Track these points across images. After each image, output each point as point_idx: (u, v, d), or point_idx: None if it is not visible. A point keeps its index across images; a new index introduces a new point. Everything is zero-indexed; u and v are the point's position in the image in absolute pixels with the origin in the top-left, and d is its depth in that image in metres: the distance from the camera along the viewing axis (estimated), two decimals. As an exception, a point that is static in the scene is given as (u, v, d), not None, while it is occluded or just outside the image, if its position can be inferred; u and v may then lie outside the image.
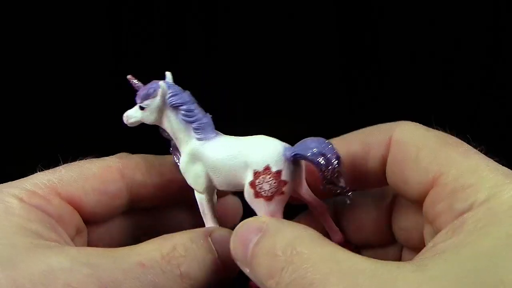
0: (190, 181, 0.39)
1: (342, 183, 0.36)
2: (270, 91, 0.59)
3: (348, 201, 0.36)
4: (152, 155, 0.41)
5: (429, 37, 0.61)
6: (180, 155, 0.39)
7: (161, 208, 0.43)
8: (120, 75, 0.40)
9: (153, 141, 0.41)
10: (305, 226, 0.32)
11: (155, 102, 0.38)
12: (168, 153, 0.41)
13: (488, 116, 0.61)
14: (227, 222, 0.41)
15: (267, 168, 0.36)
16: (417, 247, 0.35)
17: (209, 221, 0.39)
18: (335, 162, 0.35)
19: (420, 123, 0.36)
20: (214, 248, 0.35)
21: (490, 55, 0.61)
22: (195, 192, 0.39)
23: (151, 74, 0.40)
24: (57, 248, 0.32)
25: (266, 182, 0.36)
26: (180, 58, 0.62)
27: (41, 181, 0.36)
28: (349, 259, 0.27)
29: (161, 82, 0.38)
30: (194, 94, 0.38)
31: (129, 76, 0.38)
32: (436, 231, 0.31)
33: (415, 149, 0.33)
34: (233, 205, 0.43)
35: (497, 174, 0.29)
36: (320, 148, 0.35)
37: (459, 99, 0.61)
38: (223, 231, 0.37)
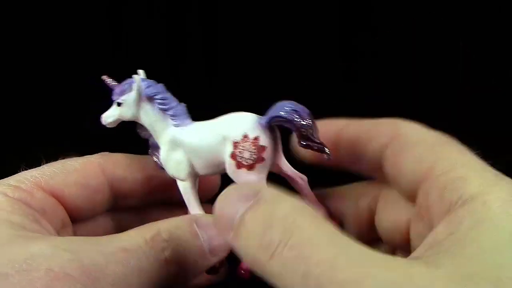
0: (171, 170, 0.40)
1: (317, 138, 0.36)
2: (270, 88, 0.59)
3: (327, 157, 0.37)
4: (132, 154, 0.43)
5: (429, 36, 0.61)
6: (159, 152, 0.40)
7: (146, 208, 0.44)
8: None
9: (137, 144, 0.43)
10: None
11: (131, 96, 0.39)
12: (147, 153, 0.42)
13: (488, 116, 0.61)
14: (204, 196, 0.42)
15: (245, 136, 0.37)
16: (400, 244, 0.37)
17: (194, 209, 0.40)
18: (308, 116, 0.36)
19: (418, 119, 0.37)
20: (199, 234, 0.36)
21: (489, 55, 0.61)
22: (178, 182, 0.40)
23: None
24: (40, 238, 0.33)
25: (246, 150, 0.37)
26: (180, 53, 0.62)
27: (24, 177, 0.37)
28: (355, 244, 0.26)
29: (135, 76, 0.39)
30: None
31: (104, 77, 0.40)
32: (429, 224, 0.31)
33: (414, 141, 0.34)
34: (210, 179, 0.43)
35: (487, 170, 0.30)
36: (291, 106, 0.36)
37: (458, 98, 0.61)
38: (209, 217, 0.37)
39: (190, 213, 0.40)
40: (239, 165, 0.37)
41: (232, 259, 0.38)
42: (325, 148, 0.37)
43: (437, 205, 0.30)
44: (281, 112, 0.37)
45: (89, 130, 0.56)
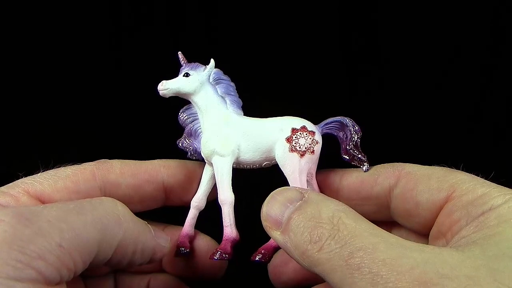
0: (215, 145, 0.42)
1: (361, 153, 0.42)
2: (270, 83, 0.59)
3: (366, 169, 0.42)
4: (129, 160, 0.44)
5: (429, 35, 0.61)
6: (196, 139, 0.43)
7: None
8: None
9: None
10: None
11: (201, 74, 0.43)
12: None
13: (488, 116, 0.61)
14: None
15: (303, 127, 0.42)
16: None
17: (226, 189, 0.42)
18: (359, 131, 0.42)
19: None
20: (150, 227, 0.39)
21: (489, 55, 0.61)
22: (216, 160, 0.42)
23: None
24: None
25: (303, 137, 0.41)
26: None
27: (15, 183, 0.39)
28: (393, 236, 0.30)
29: (212, 59, 0.43)
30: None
31: (179, 52, 0.44)
32: (451, 238, 0.34)
33: (425, 176, 0.38)
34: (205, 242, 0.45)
35: (503, 188, 0.34)
36: (344, 118, 0.43)
37: (458, 98, 0.61)
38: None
39: (219, 194, 0.42)
40: (292, 149, 0.41)
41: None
42: (366, 161, 0.42)
43: (464, 219, 0.33)
44: (337, 118, 0.43)
45: (92, 136, 0.57)
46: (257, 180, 0.45)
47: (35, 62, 0.60)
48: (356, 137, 0.42)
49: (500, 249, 0.28)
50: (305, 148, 0.41)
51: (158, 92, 0.42)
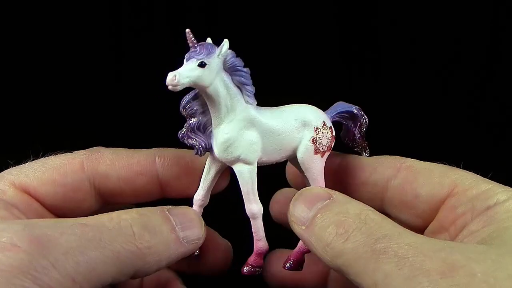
0: (240, 150, 0.37)
1: (364, 141, 0.42)
2: (270, 79, 0.59)
3: (366, 155, 0.42)
4: (122, 148, 0.41)
5: (429, 34, 0.61)
6: (206, 134, 0.38)
7: None
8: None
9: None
10: None
11: (216, 61, 0.36)
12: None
13: (488, 116, 0.61)
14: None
15: (324, 124, 0.39)
16: None
17: (254, 201, 0.38)
18: (367, 122, 0.41)
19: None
20: (171, 219, 0.36)
21: (489, 55, 0.61)
22: (240, 168, 0.38)
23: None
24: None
25: (325, 137, 0.39)
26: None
27: (1, 175, 0.38)
28: (410, 231, 0.31)
29: (226, 40, 0.37)
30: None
31: (188, 30, 0.36)
32: (454, 232, 0.35)
33: (427, 170, 0.38)
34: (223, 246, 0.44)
35: (502, 185, 0.35)
36: (351, 105, 0.41)
37: (458, 98, 0.61)
38: (183, 208, 0.38)
39: (248, 206, 0.38)
40: (316, 151, 0.39)
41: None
42: (367, 149, 0.42)
43: (469, 213, 0.34)
44: (347, 107, 0.41)
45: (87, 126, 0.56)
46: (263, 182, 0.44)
47: (32, 60, 0.60)
48: (364, 128, 0.41)
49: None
50: (326, 147, 0.39)
51: (167, 86, 0.35)
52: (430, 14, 0.60)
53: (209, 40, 0.37)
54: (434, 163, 0.39)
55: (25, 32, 0.60)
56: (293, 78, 0.60)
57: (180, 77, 0.35)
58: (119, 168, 0.40)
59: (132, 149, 0.41)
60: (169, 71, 0.35)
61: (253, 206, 0.38)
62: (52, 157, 0.39)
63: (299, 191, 0.37)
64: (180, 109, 0.38)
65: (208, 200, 0.40)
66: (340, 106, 0.41)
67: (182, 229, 0.36)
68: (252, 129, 0.37)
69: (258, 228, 0.39)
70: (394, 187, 0.39)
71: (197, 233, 0.37)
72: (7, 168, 0.39)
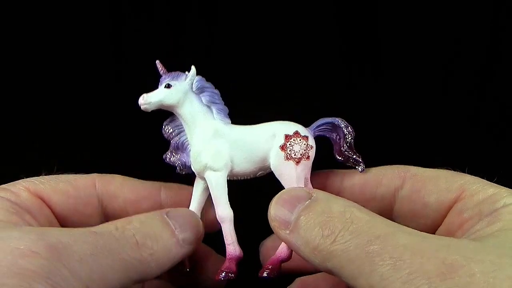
0: (207, 158, 0.40)
1: (356, 153, 0.41)
2: (270, 82, 0.59)
3: (361, 170, 0.41)
4: (127, 177, 0.44)
5: (429, 34, 0.61)
6: (185, 152, 0.41)
7: None
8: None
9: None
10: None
11: (183, 84, 0.40)
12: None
13: (488, 116, 0.61)
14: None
15: (296, 133, 0.40)
16: None
17: (223, 205, 0.40)
18: (352, 131, 0.41)
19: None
20: (170, 223, 0.38)
21: (489, 55, 0.61)
22: (209, 175, 0.40)
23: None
24: (11, 226, 0.34)
25: (297, 143, 0.40)
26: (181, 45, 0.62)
27: (17, 182, 0.39)
28: (408, 228, 0.30)
29: (193, 67, 0.41)
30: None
31: (158, 61, 0.42)
32: (462, 234, 0.35)
33: (433, 177, 0.38)
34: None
35: (509, 189, 0.35)
36: (335, 118, 0.42)
37: (458, 98, 0.61)
38: (182, 210, 0.40)
39: (217, 211, 0.40)
40: (287, 157, 0.40)
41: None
42: (361, 162, 0.41)
43: (476, 217, 0.34)
44: (328, 119, 0.42)
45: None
46: (248, 190, 0.44)
47: (32, 60, 0.60)
48: (350, 137, 0.41)
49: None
50: (300, 154, 0.40)
51: (140, 106, 0.40)
52: (430, 14, 0.60)
53: (193, 69, 0.41)
54: (439, 169, 0.39)
55: (25, 33, 0.60)
56: (293, 78, 0.60)
57: (148, 97, 0.40)
58: (127, 190, 0.42)
59: (140, 180, 0.44)
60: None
61: (222, 211, 0.40)
62: (64, 174, 0.42)
63: (278, 193, 0.36)
64: (162, 131, 0.42)
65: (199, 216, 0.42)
66: (321, 120, 0.42)
67: (181, 231, 0.38)
68: (219, 139, 0.40)
69: (227, 232, 0.40)
70: (402, 198, 0.39)
71: (195, 233, 0.39)
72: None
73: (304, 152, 0.40)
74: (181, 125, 0.41)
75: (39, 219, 0.38)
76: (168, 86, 0.40)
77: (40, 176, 0.41)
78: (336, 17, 0.61)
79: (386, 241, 0.28)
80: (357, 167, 0.41)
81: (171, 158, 0.42)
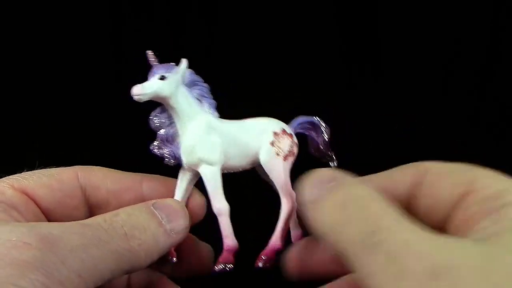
0: (202, 152, 0.40)
1: (330, 150, 0.44)
2: (271, 80, 0.60)
3: (334, 164, 0.44)
4: (110, 168, 0.44)
5: (429, 34, 0.61)
6: (173, 144, 0.41)
7: None
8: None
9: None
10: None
11: (176, 76, 0.40)
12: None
13: (488, 117, 0.61)
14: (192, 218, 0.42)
15: (283, 131, 0.42)
16: None
17: (219, 198, 0.41)
18: (328, 129, 0.43)
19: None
20: (158, 214, 0.38)
21: (489, 55, 0.61)
22: (204, 169, 0.41)
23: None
24: (1, 223, 0.35)
25: (284, 141, 0.42)
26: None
27: (2, 180, 0.40)
28: (414, 223, 0.31)
29: (183, 59, 0.41)
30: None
31: (149, 52, 0.41)
32: (466, 231, 0.35)
33: (442, 172, 0.38)
34: (198, 201, 0.44)
35: None
36: (317, 118, 0.44)
37: (458, 98, 0.61)
38: (168, 200, 0.41)
39: (214, 204, 0.41)
40: (277, 153, 0.41)
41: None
42: (335, 158, 0.44)
43: (482, 212, 0.33)
44: (307, 118, 0.44)
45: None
46: (236, 183, 0.44)
47: (32, 61, 0.60)
48: (327, 135, 0.43)
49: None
50: (287, 151, 0.42)
51: (132, 97, 0.40)
52: (430, 14, 0.61)
53: (184, 61, 0.41)
54: (451, 164, 0.39)
55: (25, 33, 0.60)
56: (293, 78, 0.60)
57: (143, 88, 0.40)
58: (109, 181, 0.43)
59: (122, 171, 0.44)
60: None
61: (218, 203, 0.41)
62: (46, 168, 0.42)
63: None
64: (149, 122, 0.42)
65: None
66: (300, 118, 0.44)
67: (168, 221, 0.39)
68: (213, 133, 0.41)
69: (224, 224, 0.41)
70: (418, 196, 0.39)
71: (182, 223, 0.40)
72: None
73: (290, 149, 0.42)
74: (171, 116, 0.42)
75: (26, 215, 0.38)
76: (163, 77, 0.40)
77: (23, 173, 0.41)
78: (336, 17, 0.61)
79: (388, 235, 0.29)
80: (330, 162, 0.44)
81: (160, 150, 0.41)
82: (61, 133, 0.60)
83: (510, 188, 0.33)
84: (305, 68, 0.61)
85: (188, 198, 0.43)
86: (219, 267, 0.40)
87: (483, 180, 0.35)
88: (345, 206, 0.33)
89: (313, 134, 0.44)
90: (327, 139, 0.44)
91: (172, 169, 0.43)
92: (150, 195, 0.43)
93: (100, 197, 0.42)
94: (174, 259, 0.42)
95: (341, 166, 0.44)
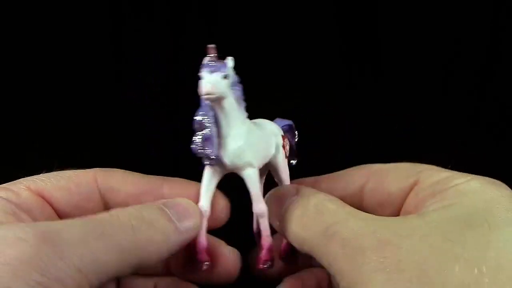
0: (249, 156, 0.40)
1: (295, 150, 0.47)
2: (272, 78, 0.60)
3: (293, 164, 0.46)
4: (129, 171, 0.43)
5: (429, 34, 0.61)
6: (210, 144, 0.39)
7: None
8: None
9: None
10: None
11: (233, 75, 0.39)
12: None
13: (488, 117, 0.61)
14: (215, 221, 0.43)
15: (284, 135, 0.45)
16: None
17: (260, 199, 0.41)
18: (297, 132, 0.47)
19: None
20: (168, 211, 0.38)
21: (489, 55, 0.61)
22: (247, 172, 0.40)
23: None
24: (4, 223, 0.34)
25: (286, 144, 0.44)
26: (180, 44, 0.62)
27: (18, 181, 0.39)
28: (364, 213, 0.36)
29: (229, 58, 0.39)
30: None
31: (212, 46, 0.38)
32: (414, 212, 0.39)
33: (392, 169, 0.43)
34: (223, 204, 0.44)
35: (464, 173, 0.38)
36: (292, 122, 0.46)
37: (458, 98, 0.61)
38: (179, 199, 0.41)
39: (258, 206, 0.41)
40: (285, 155, 0.44)
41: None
42: (296, 157, 0.47)
43: (429, 195, 0.38)
44: (287, 121, 0.46)
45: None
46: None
47: (32, 61, 0.60)
48: (297, 138, 0.47)
49: (453, 214, 0.33)
50: (287, 152, 0.44)
51: (206, 97, 0.36)
52: (430, 14, 0.61)
53: (231, 60, 0.39)
54: (398, 163, 0.43)
55: (25, 33, 0.60)
56: (293, 78, 0.60)
57: (215, 87, 0.37)
58: (129, 184, 0.42)
59: (141, 174, 0.43)
60: (200, 79, 0.37)
61: (261, 205, 0.41)
62: (65, 170, 0.41)
63: (271, 191, 0.43)
64: (196, 120, 0.39)
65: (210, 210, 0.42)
66: (281, 121, 0.46)
67: (178, 219, 0.38)
68: (253, 137, 0.41)
69: (266, 225, 0.41)
70: (368, 193, 0.43)
71: (193, 221, 0.39)
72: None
73: (288, 151, 0.45)
74: (215, 117, 0.39)
75: (40, 219, 0.37)
76: (226, 77, 0.37)
77: (41, 174, 0.40)
78: (336, 17, 0.61)
79: (340, 226, 0.34)
80: (292, 161, 0.46)
81: (204, 151, 0.39)
82: (61, 133, 0.60)
83: (454, 175, 0.38)
84: (305, 68, 0.61)
85: (213, 200, 0.42)
86: (265, 265, 0.41)
87: (429, 171, 0.40)
88: (304, 214, 0.38)
89: (289, 136, 0.46)
90: (296, 141, 0.47)
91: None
92: (171, 198, 0.41)
93: (119, 201, 0.41)
94: (207, 263, 0.41)
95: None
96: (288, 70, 0.60)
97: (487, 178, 0.37)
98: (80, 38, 0.60)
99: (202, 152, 0.39)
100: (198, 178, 0.41)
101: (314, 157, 0.45)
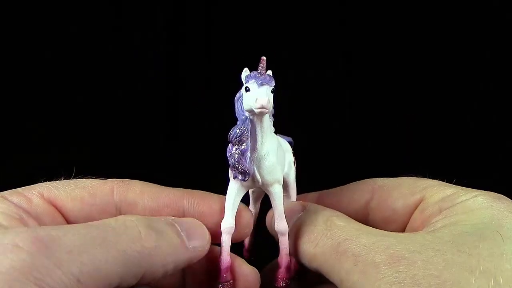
0: (278, 174, 0.39)
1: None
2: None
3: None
4: (149, 183, 0.41)
5: (429, 34, 0.61)
6: (245, 159, 0.38)
7: None
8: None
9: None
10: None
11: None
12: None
13: (488, 116, 0.61)
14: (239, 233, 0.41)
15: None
16: None
17: (283, 216, 0.39)
18: None
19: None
20: (176, 225, 0.37)
21: (489, 55, 0.61)
22: (274, 188, 0.39)
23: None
24: (8, 229, 0.32)
25: (293, 159, 0.43)
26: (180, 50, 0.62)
27: (32, 186, 0.38)
28: (375, 229, 0.36)
29: (269, 72, 0.38)
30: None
31: (264, 58, 0.38)
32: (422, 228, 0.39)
33: (397, 185, 0.43)
34: (248, 218, 0.42)
35: (469, 188, 0.39)
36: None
37: (458, 99, 0.61)
38: (187, 219, 0.39)
39: (282, 224, 0.40)
40: (295, 171, 0.43)
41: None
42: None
43: (436, 212, 0.38)
44: (285, 138, 0.44)
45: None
46: None
47: (32, 62, 0.60)
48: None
49: (463, 229, 0.34)
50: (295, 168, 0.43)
51: (261, 110, 0.35)
52: (430, 14, 0.61)
53: (270, 72, 0.39)
54: (403, 178, 0.43)
55: (25, 33, 0.60)
56: (292, 77, 0.60)
57: (269, 103, 0.36)
58: (147, 197, 0.40)
59: (161, 186, 0.41)
60: (260, 96, 0.36)
61: (285, 222, 0.40)
62: (83, 179, 0.40)
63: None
64: (235, 134, 0.38)
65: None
66: (280, 137, 0.44)
67: (187, 236, 0.37)
68: (280, 153, 0.40)
69: (286, 243, 0.40)
70: (373, 209, 0.43)
71: (201, 241, 0.38)
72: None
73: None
74: (249, 132, 0.38)
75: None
76: (273, 91, 0.37)
77: (57, 181, 0.39)
78: (336, 17, 0.61)
79: (351, 242, 0.34)
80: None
81: (240, 166, 0.38)
82: (60, 133, 0.60)
83: (459, 192, 0.38)
84: (305, 67, 0.61)
85: (238, 217, 0.40)
86: (284, 283, 0.40)
87: (434, 188, 0.40)
88: (312, 231, 0.38)
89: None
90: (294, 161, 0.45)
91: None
92: (191, 213, 0.40)
93: (137, 213, 0.39)
94: (230, 281, 0.40)
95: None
96: (288, 69, 0.60)
97: (491, 193, 0.37)
98: (80, 38, 0.60)
99: (238, 168, 0.38)
100: (197, 177, 0.41)
101: (313, 170, 0.44)
